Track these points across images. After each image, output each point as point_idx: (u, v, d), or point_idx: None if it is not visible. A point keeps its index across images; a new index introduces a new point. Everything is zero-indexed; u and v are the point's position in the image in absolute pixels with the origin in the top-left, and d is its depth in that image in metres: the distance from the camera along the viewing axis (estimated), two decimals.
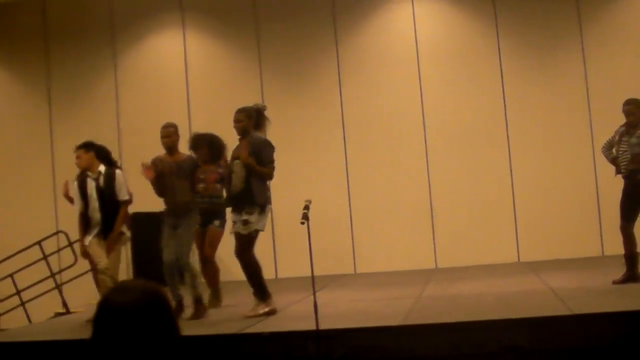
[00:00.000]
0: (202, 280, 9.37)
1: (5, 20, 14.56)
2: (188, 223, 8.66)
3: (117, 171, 8.92)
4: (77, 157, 8.83)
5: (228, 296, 9.54)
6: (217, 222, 9.23)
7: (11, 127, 14.47)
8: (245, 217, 8.10)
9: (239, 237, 8.14)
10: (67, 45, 14.32)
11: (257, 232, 8.18)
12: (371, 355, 6.69)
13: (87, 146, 8.91)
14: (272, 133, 12.75)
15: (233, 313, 8.50)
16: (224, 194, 8.86)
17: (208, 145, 9.20)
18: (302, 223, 7.00)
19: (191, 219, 8.70)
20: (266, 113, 8.55)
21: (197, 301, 8.52)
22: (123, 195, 8.82)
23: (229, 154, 8.75)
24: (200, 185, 9.02)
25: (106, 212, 8.73)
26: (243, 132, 8.32)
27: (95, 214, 8.73)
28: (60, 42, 14.36)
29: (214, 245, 9.35)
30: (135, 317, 2.23)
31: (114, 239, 8.74)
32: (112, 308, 2.25)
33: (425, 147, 12.96)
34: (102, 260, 8.60)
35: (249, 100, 12.98)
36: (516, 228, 12.66)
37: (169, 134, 8.84)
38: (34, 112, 14.39)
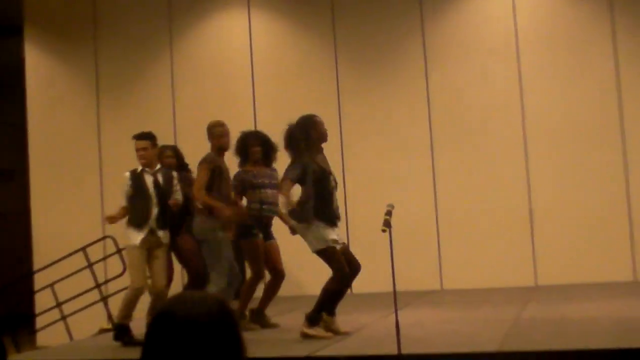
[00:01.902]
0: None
1: (52, 3, 14.82)
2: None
3: (174, 172, 9.20)
4: (142, 149, 8.95)
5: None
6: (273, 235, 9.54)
7: (55, 119, 14.68)
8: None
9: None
10: (118, 28, 14.52)
11: None
12: None
13: (153, 139, 9.07)
14: (349, 128, 12.90)
15: (290, 332, 8.53)
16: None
17: (262, 144, 9.34)
18: (384, 231, 6.99)
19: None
20: None
21: None
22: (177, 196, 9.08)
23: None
24: (267, 191, 9.25)
25: (163, 210, 8.95)
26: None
27: (154, 209, 8.92)
28: (110, 25, 14.56)
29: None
30: (200, 333, 2.19)
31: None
32: (173, 322, 2.20)
33: (525, 146, 12.75)
34: (136, 279, 8.85)
35: (323, 91, 13.12)
36: (632, 240, 12.30)
37: (226, 133, 9.01)
38: (80, 102, 14.59)
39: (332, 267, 8.14)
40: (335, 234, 8.22)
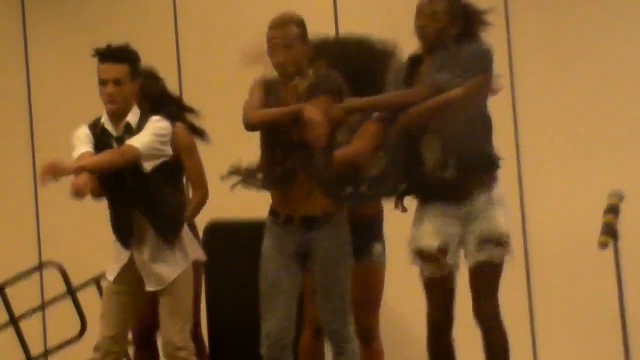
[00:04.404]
0: None
1: None
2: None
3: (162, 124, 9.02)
4: (113, 83, 8.75)
5: None
6: (378, 247, 9.59)
7: None
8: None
9: None
10: None
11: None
12: None
13: (133, 61, 8.93)
14: (521, 53, 13.71)
15: None
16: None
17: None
18: (604, 245, 7.20)
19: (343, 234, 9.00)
20: None
21: None
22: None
23: None
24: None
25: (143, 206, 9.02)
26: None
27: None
28: None
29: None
30: None
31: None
32: None
33: None
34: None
35: None
36: None
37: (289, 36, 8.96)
38: None
39: None
40: None
